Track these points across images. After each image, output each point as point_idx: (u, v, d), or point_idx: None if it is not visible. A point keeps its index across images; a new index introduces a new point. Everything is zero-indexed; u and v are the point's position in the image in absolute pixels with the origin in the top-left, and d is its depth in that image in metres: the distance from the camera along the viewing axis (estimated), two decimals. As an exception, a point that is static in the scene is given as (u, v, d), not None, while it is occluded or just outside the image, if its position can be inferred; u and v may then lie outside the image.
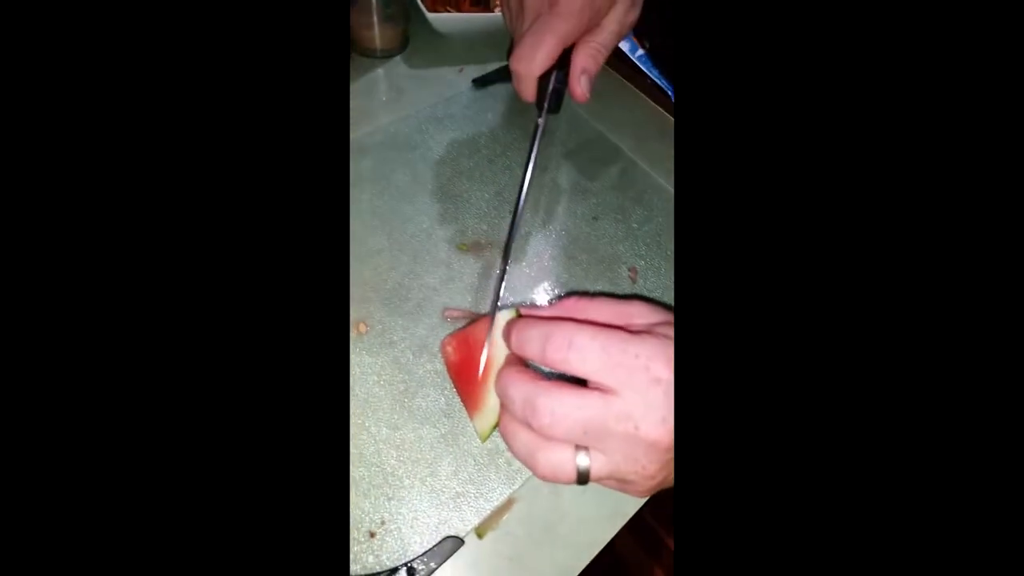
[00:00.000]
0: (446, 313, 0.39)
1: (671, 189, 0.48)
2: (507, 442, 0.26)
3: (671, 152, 0.51)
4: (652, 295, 0.42)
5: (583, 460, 0.24)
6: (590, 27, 0.38)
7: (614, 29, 0.39)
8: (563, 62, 0.39)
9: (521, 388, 0.24)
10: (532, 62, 0.36)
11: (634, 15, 0.40)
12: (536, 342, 0.25)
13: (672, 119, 0.54)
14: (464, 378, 0.33)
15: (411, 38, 0.55)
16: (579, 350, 0.24)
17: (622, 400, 0.23)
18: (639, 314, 0.28)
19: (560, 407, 0.23)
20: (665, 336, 0.25)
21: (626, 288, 0.42)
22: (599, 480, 0.25)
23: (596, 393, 0.24)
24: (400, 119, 0.50)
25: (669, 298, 0.42)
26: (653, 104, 0.54)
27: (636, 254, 0.44)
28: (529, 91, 0.38)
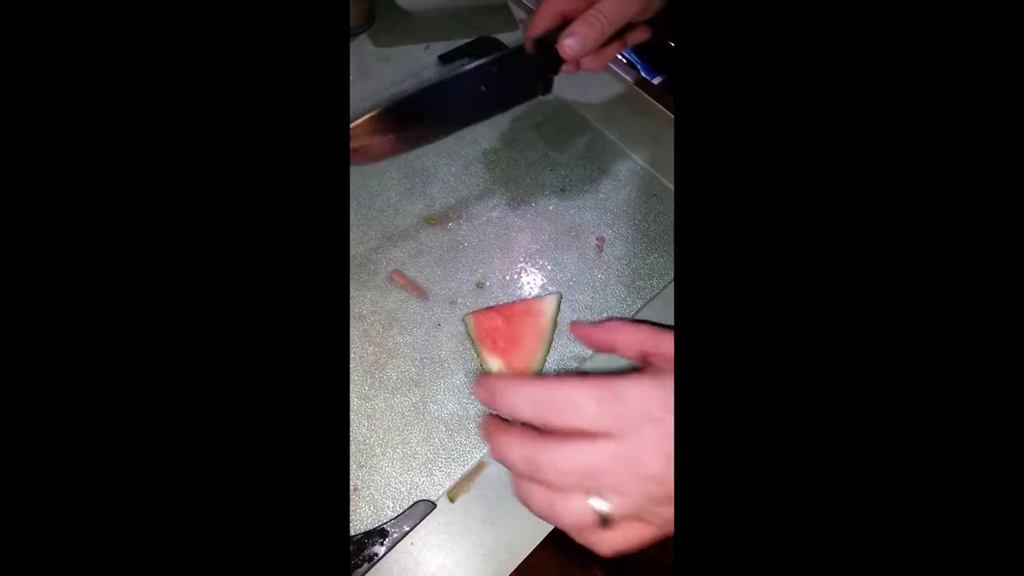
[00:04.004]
0: (394, 275, 0.40)
1: (639, 159, 0.49)
2: (527, 503, 0.26)
3: (639, 122, 0.51)
4: (619, 263, 0.43)
5: (599, 504, 0.24)
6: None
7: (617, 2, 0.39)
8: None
9: (519, 449, 0.25)
10: (532, 25, 0.40)
11: None
12: (532, 408, 0.25)
13: (640, 91, 0.54)
14: (514, 344, 0.38)
15: (377, 15, 0.55)
16: (575, 408, 0.24)
17: (622, 442, 0.24)
18: (667, 342, 0.28)
19: (560, 458, 0.24)
20: (664, 371, 0.25)
21: (592, 257, 0.43)
22: (626, 521, 0.25)
23: (592, 439, 0.24)
24: (365, 97, 0.49)
25: (636, 266, 0.43)
26: (622, 75, 0.54)
27: (604, 223, 0.45)
28: (529, 47, 0.41)
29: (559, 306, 0.40)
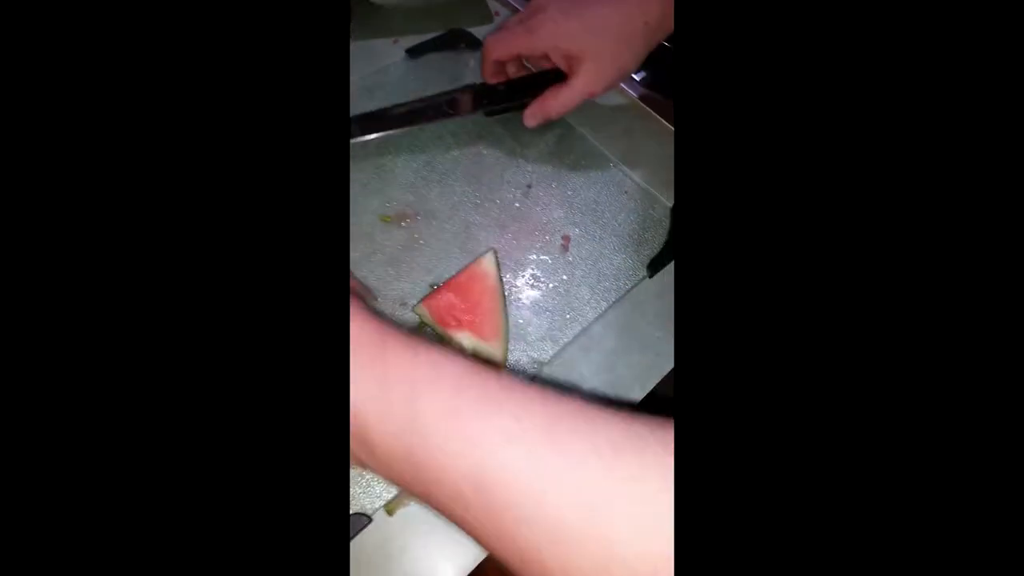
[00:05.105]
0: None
1: (611, 155, 0.46)
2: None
3: (612, 116, 0.49)
4: (584, 263, 0.41)
5: None
6: (566, 63, 0.42)
7: (579, 88, 0.42)
8: (531, 83, 0.44)
9: None
10: (490, 49, 0.43)
11: (602, 85, 0.43)
12: None
13: (618, 84, 0.52)
14: (475, 313, 0.37)
15: (349, 11, 0.54)
16: None
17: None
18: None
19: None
20: None
21: (557, 256, 0.41)
22: None
23: None
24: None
25: (601, 267, 0.41)
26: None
27: (571, 222, 0.43)
28: (484, 71, 0.45)
29: (497, 261, 0.39)
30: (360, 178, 0.43)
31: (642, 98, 0.52)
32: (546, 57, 0.43)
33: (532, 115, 0.44)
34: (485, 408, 0.19)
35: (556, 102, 0.42)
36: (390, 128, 0.43)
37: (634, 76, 0.58)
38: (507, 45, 0.43)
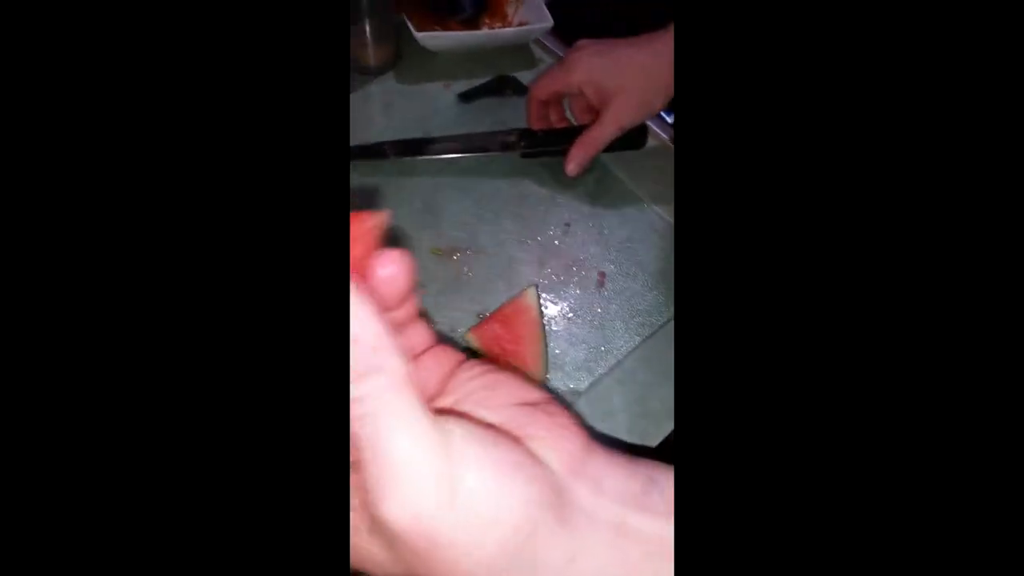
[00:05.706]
0: None
1: (644, 196, 0.50)
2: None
3: (646, 162, 0.52)
4: (619, 298, 0.44)
5: None
6: (598, 97, 0.47)
7: (609, 123, 0.47)
8: (569, 133, 0.50)
9: None
10: (533, 90, 0.51)
11: (630, 118, 0.48)
12: None
13: (652, 128, 0.55)
14: (518, 343, 0.41)
15: (402, 55, 0.58)
16: None
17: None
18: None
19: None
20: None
21: (593, 292, 0.44)
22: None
23: None
24: (386, 132, 0.52)
25: (635, 302, 0.44)
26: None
27: (607, 259, 0.46)
28: (529, 114, 0.52)
29: (538, 295, 0.43)
30: (416, 215, 0.47)
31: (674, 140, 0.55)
32: (582, 93, 0.48)
33: (572, 159, 0.48)
34: None
35: (591, 141, 0.47)
36: (429, 155, 0.49)
37: (667, 118, 0.62)
38: (548, 84, 0.49)
